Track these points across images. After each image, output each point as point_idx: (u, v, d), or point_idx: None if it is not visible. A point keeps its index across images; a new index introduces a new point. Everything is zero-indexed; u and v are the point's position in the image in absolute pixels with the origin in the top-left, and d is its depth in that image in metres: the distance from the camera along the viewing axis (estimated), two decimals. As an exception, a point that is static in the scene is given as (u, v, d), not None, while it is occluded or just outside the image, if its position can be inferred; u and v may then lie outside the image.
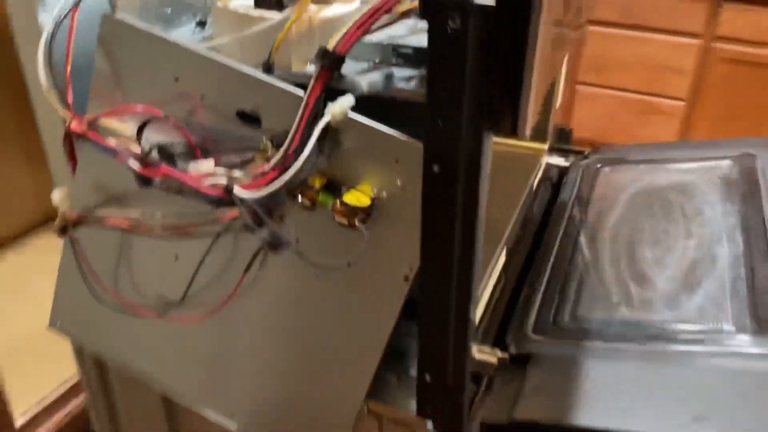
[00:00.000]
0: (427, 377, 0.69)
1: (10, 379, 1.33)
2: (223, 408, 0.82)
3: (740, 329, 0.71)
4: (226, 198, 0.66)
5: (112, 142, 0.71)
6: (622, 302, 0.78)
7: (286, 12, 0.70)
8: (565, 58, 1.11)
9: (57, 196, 0.76)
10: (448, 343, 0.65)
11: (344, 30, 0.63)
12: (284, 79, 0.69)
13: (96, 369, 0.93)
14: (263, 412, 0.80)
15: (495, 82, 0.50)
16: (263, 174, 0.66)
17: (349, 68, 0.74)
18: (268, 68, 0.69)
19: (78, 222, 0.75)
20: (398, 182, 0.64)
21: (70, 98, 0.73)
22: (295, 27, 0.71)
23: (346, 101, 0.64)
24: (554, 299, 0.81)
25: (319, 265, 0.70)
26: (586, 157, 1.14)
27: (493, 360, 0.76)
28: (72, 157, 0.79)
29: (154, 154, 0.69)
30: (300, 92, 0.66)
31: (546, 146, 1.12)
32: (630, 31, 2.97)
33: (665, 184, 1.01)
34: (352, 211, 0.66)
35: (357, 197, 0.67)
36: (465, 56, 0.50)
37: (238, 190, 0.65)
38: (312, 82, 0.65)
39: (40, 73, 0.70)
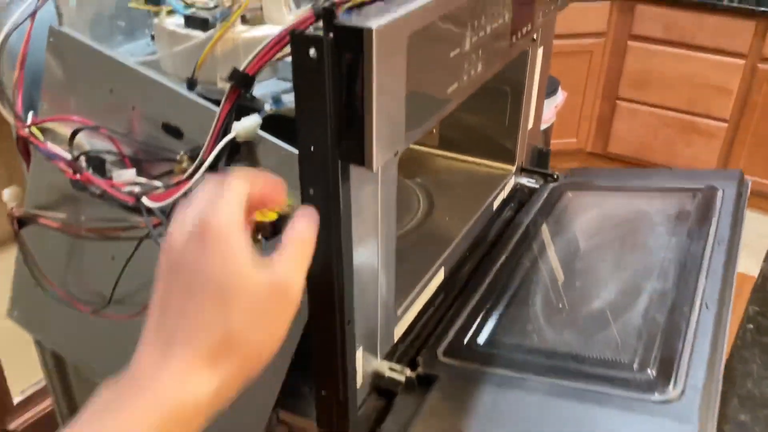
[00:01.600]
0: (322, 392, 0.71)
1: (8, 361, 1.42)
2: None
3: (641, 371, 0.70)
4: (137, 206, 0.70)
5: (51, 146, 0.76)
6: (535, 331, 0.78)
7: (211, 32, 0.73)
8: (535, 72, 1.11)
9: (6, 195, 0.82)
10: (336, 361, 0.67)
11: (255, 52, 0.66)
12: (207, 95, 0.73)
13: (54, 361, 0.99)
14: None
15: (345, 114, 0.52)
16: (176, 185, 0.70)
17: (276, 87, 0.78)
18: (191, 84, 0.73)
19: (21, 220, 0.81)
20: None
21: (19, 103, 0.79)
22: (221, 46, 0.74)
23: (251, 120, 0.67)
24: (475, 323, 0.82)
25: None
26: (555, 180, 1.13)
27: (401, 378, 0.77)
28: (26, 158, 0.84)
29: (82, 160, 0.73)
30: (216, 109, 0.69)
31: (513, 167, 1.12)
32: (673, 48, 2.90)
33: (621, 213, 1.00)
34: (255, 226, 0.69)
35: (263, 212, 0.70)
36: (323, 86, 0.52)
37: (145, 200, 0.69)
38: (223, 100, 0.68)
39: (-11, 80, 0.76)
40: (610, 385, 0.69)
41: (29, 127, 0.76)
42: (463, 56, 0.65)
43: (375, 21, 0.49)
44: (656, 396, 0.66)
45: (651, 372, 0.70)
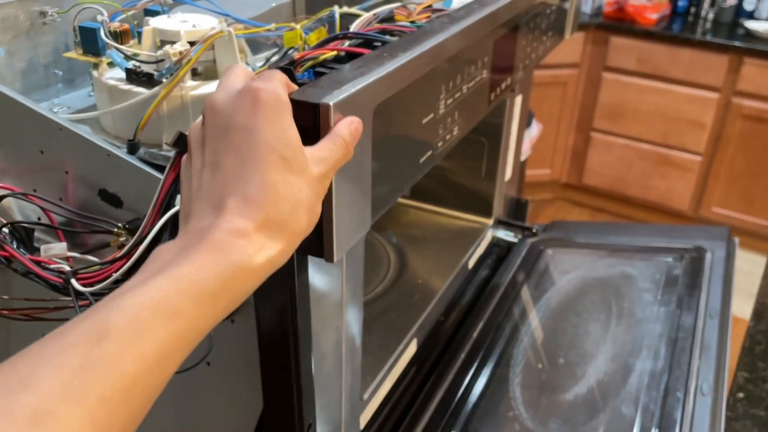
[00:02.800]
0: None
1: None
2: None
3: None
4: (66, 288, 0.61)
5: (-28, 212, 0.67)
6: (516, 419, 0.71)
7: (157, 88, 0.65)
8: (513, 120, 1.04)
9: None
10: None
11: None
12: (150, 160, 0.64)
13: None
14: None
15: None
16: (111, 263, 0.62)
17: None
18: (132, 147, 0.65)
19: (-62, 292, 0.71)
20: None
21: (-63, 163, 0.70)
22: (168, 104, 0.66)
23: (198, 192, 0.59)
24: (450, 407, 0.74)
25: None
26: (533, 235, 1.06)
27: (367, 474, 0.69)
28: (-53, 221, 0.75)
29: (5, 233, 0.65)
30: (160, 176, 0.61)
31: (490, 221, 1.05)
32: (648, 81, 2.88)
33: (604, 276, 0.93)
34: (202, 310, 0.61)
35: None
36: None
37: (74, 282, 0.60)
38: (167, 167, 0.60)
39: None
40: (601, 489, 0.62)
41: (-53, 191, 0.67)
42: (436, 122, 0.58)
43: (332, 95, 0.41)
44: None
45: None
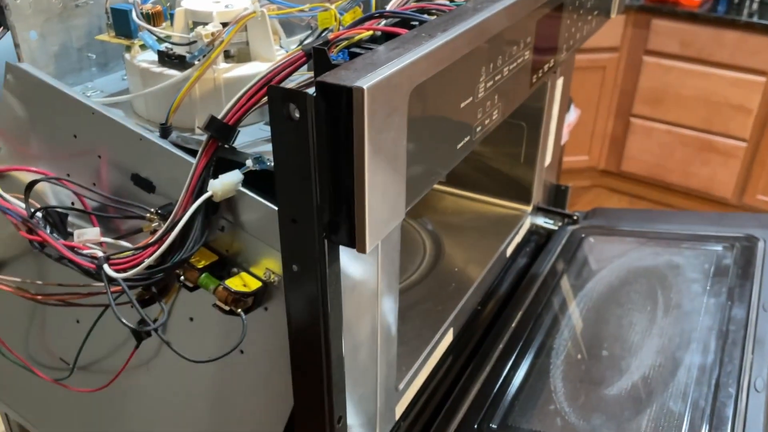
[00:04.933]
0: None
1: None
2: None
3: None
4: (99, 274, 0.60)
5: (6, 198, 0.67)
6: (558, 413, 0.68)
7: (189, 71, 0.64)
8: (554, 104, 1.01)
9: (-41, 249, 0.72)
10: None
11: (234, 100, 0.57)
12: (183, 144, 0.63)
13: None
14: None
15: (332, 187, 0.43)
16: (143, 248, 0.61)
17: (262, 134, 0.68)
18: (164, 131, 0.63)
19: (-26, 278, 0.71)
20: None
21: (-28, 147, 0.70)
22: (200, 87, 0.65)
23: (231, 177, 0.57)
24: (488, 400, 0.72)
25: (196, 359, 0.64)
26: (574, 222, 1.03)
27: (403, 466, 0.67)
28: (-17, 207, 0.75)
29: (38, 216, 0.64)
30: (192, 160, 0.60)
31: (529, 208, 1.02)
32: (690, 65, 2.79)
33: (649, 265, 0.90)
34: (234, 297, 0.59)
35: (243, 281, 0.61)
36: (307, 151, 0.43)
37: (107, 268, 0.59)
38: (200, 152, 0.59)
39: (-64, 122, 0.67)
40: (647, 488, 0.59)
41: (-18, 175, 0.67)
42: (475, 106, 0.55)
43: (367, 78, 0.39)
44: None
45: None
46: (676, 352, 0.73)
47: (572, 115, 2.59)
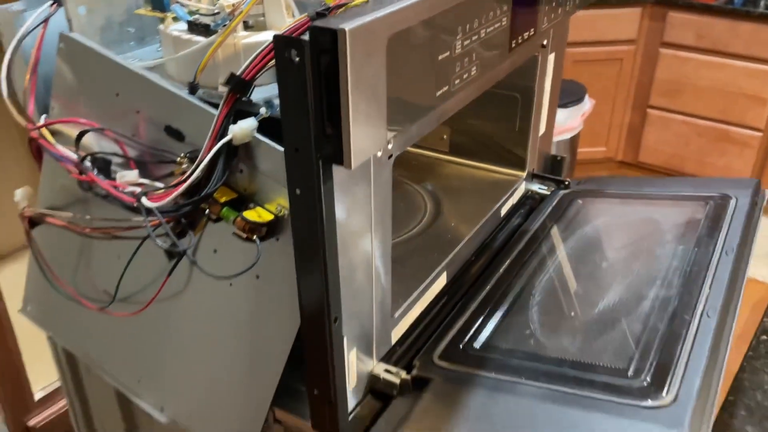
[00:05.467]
0: (315, 391, 0.71)
1: (30, 363, 1.47)
2: (154, 401, 0.88)
3: (635, 377, 0.69)
4: (137, 206, 0.71)
5: (60, 148, 0.79)
6: (532, 336, 0.78)
7: (213, 37, 0.75)
8: (546, 78, 1.10)
9: (18, 195, 0.84)
10: (327, 359, 0.68)
11: (251, 58, 0.68)
12: (208, 99, 0.74)
13: (66, 357, 1.01)
14: (185, 410, 0.86)
15: (324, 115, 0.53)
16: (174, 185, 0.72)
17: (275, 91, 0.79)
18: (192, 88, 0.75)
19: (32, 219, 0.83)
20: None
21: (30, 106, 0.81)
22: (222, 51, 0.76)
23: (247, 123, 0.68)
24: (473, 327, 0.82)
25: (223, 276, 0.75)
26: (566, 187, 1.12)
27: (396, 381, 0.77)
28: (38, 160, 0.87)
29: (88, 161, 0.76)
30: (215, 112, 0.71)
31: (523, 174, 1.12)
32: (706, 56, 2.84)
33: (629, 221, 0.98)
34: (251, 226, 0.70)
35: (258, 213, 0.71)
36: (305, 87, 0.53)
37: (144, 200, 0.70)
38: (221, 104, 0.70)
39: (2, 84, 0.79)
40: (603, 391, 0.68)
41: (39, 129, 0.79)
42: (452, 60, 0.65)
43: (350, 22, 0.49)
44: (648, 402, 0.65)
45: (645, 379, 0.69)
46: (642, 288, 0.82)
47: (586, 105, 2.66)
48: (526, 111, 1.09)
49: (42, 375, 1.52)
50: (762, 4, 2.78)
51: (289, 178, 0.61)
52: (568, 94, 2.48)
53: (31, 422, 1.47)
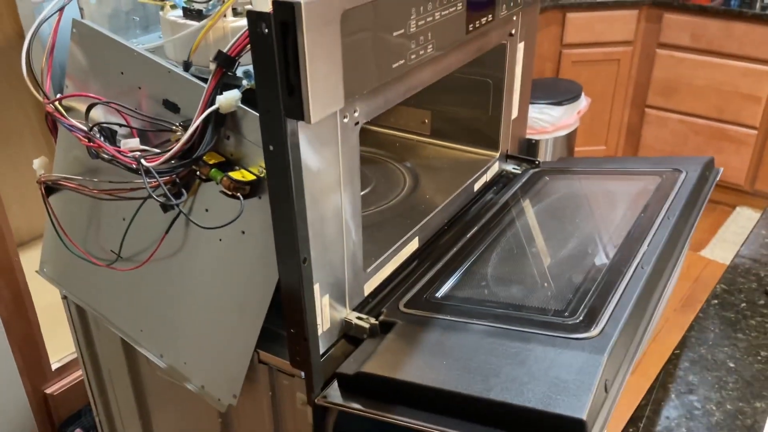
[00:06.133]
0: (292, 330, 0.81)
1: (48, 336, 1.59)
2: (155, 349, 0.98)
3: (570, 316, 0.79)
4: (138, 168, 0.82)
5: (72, 120, 0.90)
6: (487, 286, 0.87)
7: (204, 21, 0.86)
8: (515, 65, 1.20)
9: (36, 164, 0.96)
10: (299, 298, 0.78)
11: (236, 37, 0.78)
12: (200, 76, 0.85)
13: (78, 314, 1.12)
14: (182, 356, 0.96)
15: (288, 78, 0.63)
16: (168, 150, 0.82)
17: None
18: (186, 66, 0.85)
19: (48, 186, 0.94)
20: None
21: (47, 84, 0.93)
22: (213, 33, 0.86)
23: (232, 93, 0.79)
24: (437, 281, 0.91)
25: (212, 228, 0.85)
26: (537, 166, 1.22)
27: (366, 326, 0.87)
28: (54, 133, 0.98)
29: (95, 131, 0.87)
30: (205, 86, 0.81)
31: (496, 154, 1.21)
32: (701, 56, 2.93)
33: (588, 193, 1.08)
34: (235, 185, 0.81)
35: (243, 174, 0.82)
36: (272, 55, 0.64)
37: (143, 161, 0.81)
38: (210, 77, 0.80)
39: (22, 65, 0.90)
40: (542, 328, 0.78)
41: (53, 103, 0.90)
42: (407, 37, 0.76)
43: (307, -1, 0.60)
44: (578, 335, 0.75)
45: (579, 317, 0.78)
46: (588, 247, 0.91)
47: (582, 103, 2.75)
48: (498, 96, 1.18)
49: (59, 347, 1.63)
50: (758, 5, 2.86)
51: (263, 137, 0.71)
52: (564, 92, 2.57)
53: (49, 390, 1.58)
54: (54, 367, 1.62)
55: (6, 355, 1.48)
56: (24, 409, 1.55)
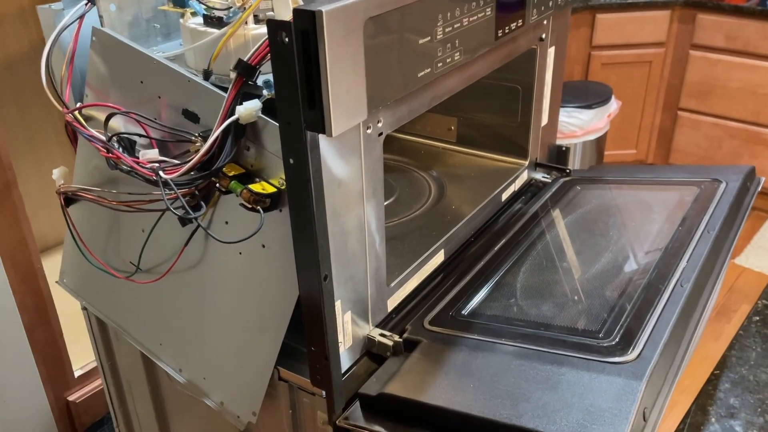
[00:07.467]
0: (312, 348, 0.79)
1: (70, 342, 1.58)
2: (174, 363, 0.96)
3: (605, 338, 0.75)
4: (156, 179, 0.80)
5: (91, 130, 0.88)
6: (516, 304, 0.84)
7: (225, 29, 0.83)
8: (546, 71, 1.16)
9: (55, 174, 0.94)
10: (320, 316, 0.75)
11: (257, 46, 0.76)
12: (220, 85, 0.83)
13: (99, 326, 1.11)
14: (201, 371, 0.94)
15: (310, 89, 0.60)
16: (188, 161, 0.80)
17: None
18: (206, 75, 0.83)
19: (67, 197, 0.93)
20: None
21: (66, 93, 0.91)
22: (234, 41, 0.84)
23: (252, 103, 0.76)
24: (463, 297, 0.88)
25: (231, 242, 0.83)
26: (568, 175, 1.18)
27: (390, 343, 0.84)
28: (73, 143, 0.97)
29: (114, 140, 0.85)
30: (225, 95, 0.79)
31: (525, 162, 1.18)
32: (736, 58, 2.84)
33: (622, 204, 1.03)
34: (255, 197, 0.78)
35: (263, 186, 0.79)
36: (293, 65, 0.61)
37: (161, 173, 0.79)
38: (230, 86, 0.78)
39: (42, 73, 0.88)
40: (575, 350, 0.74)
41: (72, 112, 0.88)
42: (434, 45, 0.72)
43: (329, 5, 0.57)
44: (614, 358, 0.71)
45: (614, 339, 0.74)
46: (624, 263, 0.87)
47: (613, 106, 2.69)
48: (527, 102, 1.14)
49: (82, 354, 1.62)
50: (795, 5, 2.77)
51: (283, 149, 0.68)
52: (594, 96, 2.52)
53: (71, 397, 1.58)
54: (77, 374, 1.61)
55: (29, 362, 1.48)
56: (47, 416, 1.54)
